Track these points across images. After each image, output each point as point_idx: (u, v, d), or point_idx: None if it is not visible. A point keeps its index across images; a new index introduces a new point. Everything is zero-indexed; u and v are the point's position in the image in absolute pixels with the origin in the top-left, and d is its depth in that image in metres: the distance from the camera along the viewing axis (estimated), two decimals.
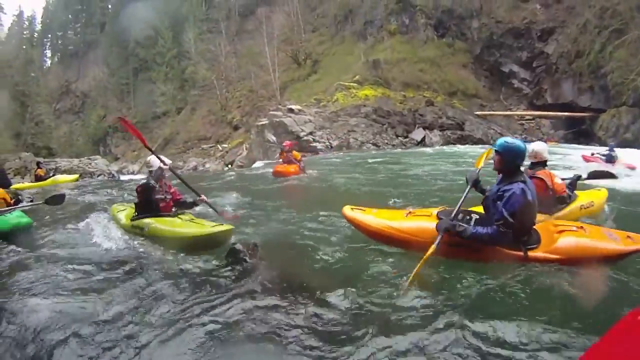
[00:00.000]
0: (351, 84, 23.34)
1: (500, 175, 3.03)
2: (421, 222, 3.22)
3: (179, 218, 4.07)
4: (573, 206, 4.16)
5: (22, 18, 61.15)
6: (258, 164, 19.65)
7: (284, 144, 10.08)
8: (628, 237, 3.19)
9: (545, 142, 20.27)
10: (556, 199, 3.99)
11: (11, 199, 5.14)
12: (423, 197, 5.91)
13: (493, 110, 24.45)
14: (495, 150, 2.97)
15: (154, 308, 2.54)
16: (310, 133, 22.49)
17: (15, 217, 4.62)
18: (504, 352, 2.01)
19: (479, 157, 3.65)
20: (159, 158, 4.30)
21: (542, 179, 3.88)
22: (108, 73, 49.11)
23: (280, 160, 9.83)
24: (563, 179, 4.22)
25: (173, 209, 4.35)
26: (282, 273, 3.03)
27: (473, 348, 2.03)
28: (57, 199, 5.48)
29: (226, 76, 30.34)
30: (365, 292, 2.61)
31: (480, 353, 2.00)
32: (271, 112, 23.92)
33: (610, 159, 11.54)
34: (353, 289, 2.61)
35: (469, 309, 2.38)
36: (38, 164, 13.38)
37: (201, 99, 32.56)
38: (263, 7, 31.76)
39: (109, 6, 57.93)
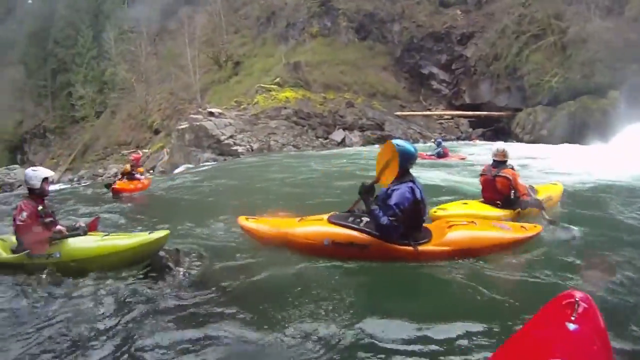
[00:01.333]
0: (272, 86, 23.12)
1: None
2: (314, 226, 3.35)
3: (94, 235, 3.64)
4: None
5: None
6: (180, 169, 19.01)
7: (132, 157, 9.19)
8: (522, 227, 3.53)
9: (470, 139, 21.39)
10: (517, 199, 4.26)
11: None
12: (315, 201, 6.02)
13: (412, 111, 25.27)
14: None
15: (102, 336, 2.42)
16: (231, 136, 22.17)
17: None
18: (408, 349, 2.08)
19: (381, 170, 3.29)
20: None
21: (507, 178, 4.24)
22: (25, 74, 45.07)
23: (119, 176, 8.67)
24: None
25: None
26: (206, 276, 3.19)
27: (371, 349, 2.10)
28: None
29: (146, 78, 28.91)
30: (273, 295, 2.77)
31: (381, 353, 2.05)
32: (191, 116, 23.35)
33: (441, 155, 12.15)
34: (270, 290, 2.84)
35: (366, 309, 2.48)
36: None
37: (121, 102, 30.77)
38: (186, 6, 30.64)
39: (29, 1, 53.31)
